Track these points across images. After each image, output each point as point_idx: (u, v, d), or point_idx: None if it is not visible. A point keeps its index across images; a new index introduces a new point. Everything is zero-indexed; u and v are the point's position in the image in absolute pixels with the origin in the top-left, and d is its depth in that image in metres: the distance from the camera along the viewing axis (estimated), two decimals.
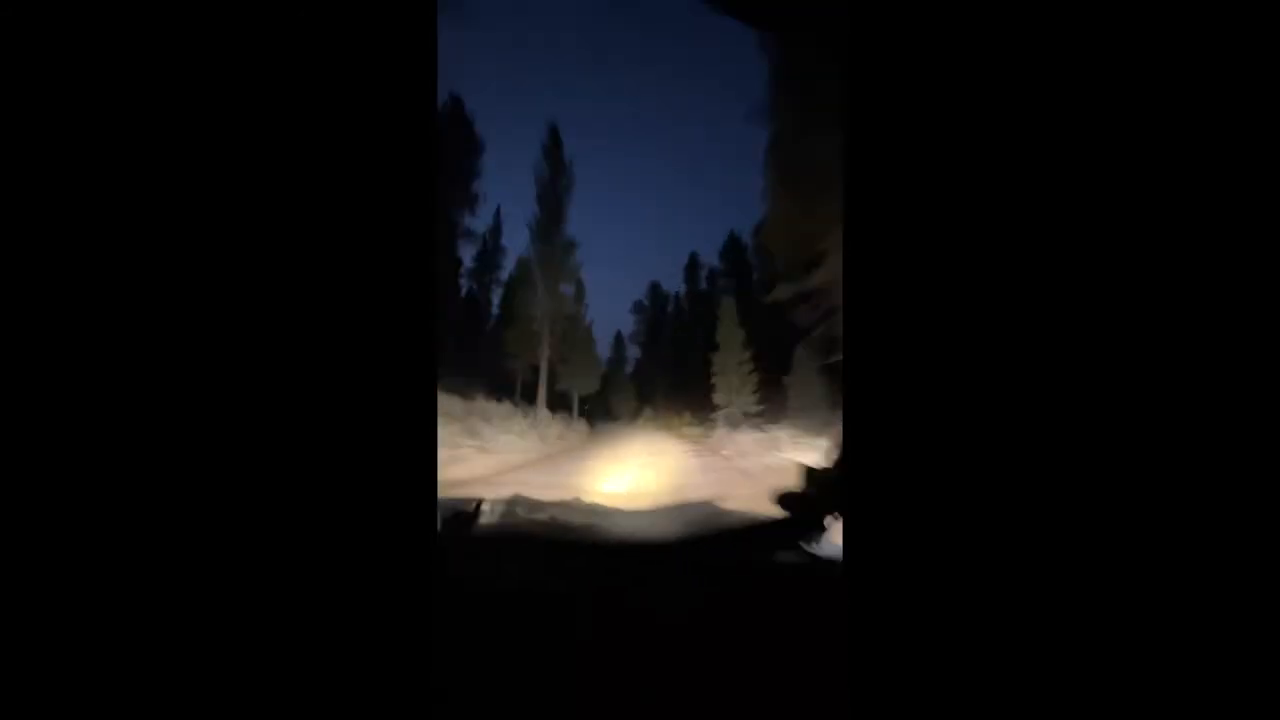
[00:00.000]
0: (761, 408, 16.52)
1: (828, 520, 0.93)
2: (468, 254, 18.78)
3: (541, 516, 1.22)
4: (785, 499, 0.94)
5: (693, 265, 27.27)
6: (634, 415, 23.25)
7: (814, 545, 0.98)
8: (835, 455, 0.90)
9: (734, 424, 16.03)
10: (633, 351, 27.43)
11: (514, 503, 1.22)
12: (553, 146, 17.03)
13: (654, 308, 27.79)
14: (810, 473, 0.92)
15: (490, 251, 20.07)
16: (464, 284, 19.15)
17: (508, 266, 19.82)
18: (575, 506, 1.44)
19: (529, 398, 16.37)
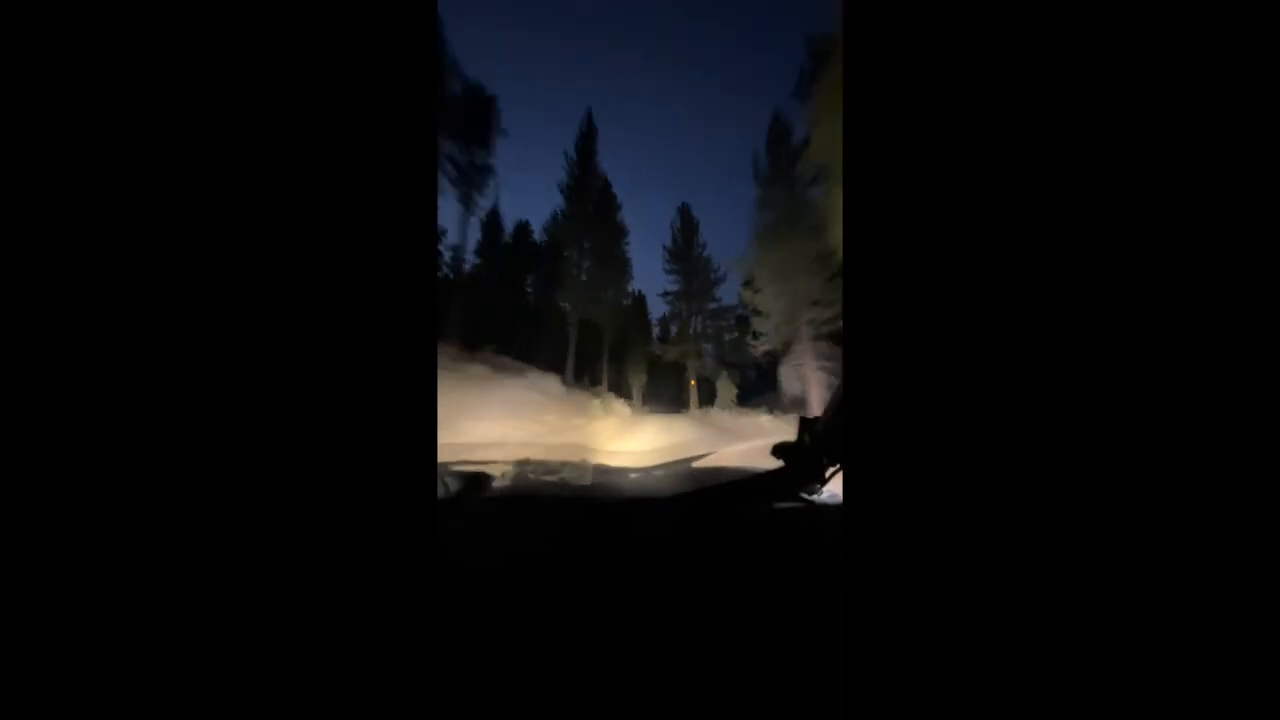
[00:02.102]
0: None
1: (828, 473, 0.97)
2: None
3: (552, 478, 1.26)
4: (782, 449, 0.98)
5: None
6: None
7: (815, 494, 1.03)
8: (829, 404, 0.93)
9: None
10: None
11: (524, 465, 1.26)
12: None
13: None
14: (805, 422, 0.95)
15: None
16: None
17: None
18: (584, 467, 1.48)
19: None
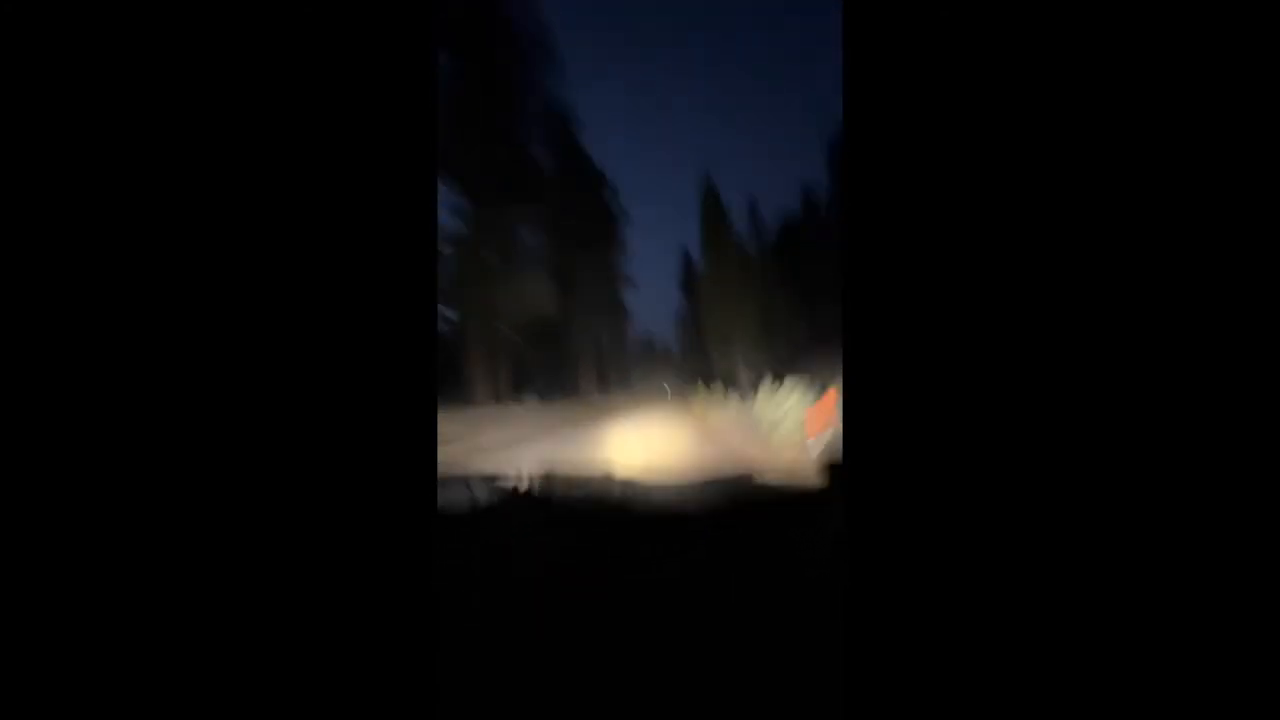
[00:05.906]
0: None
1: None
2: None
3: (578, 492, 1.20)
4: (835, 469, 0.89)
5: None
6: None
7: None
8: None
9: None
10: None
11: (550, 479, 1.20)
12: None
13: None
14: None
15: None
16: None
17: None
18: (610, 481, 1.42)
19: None
